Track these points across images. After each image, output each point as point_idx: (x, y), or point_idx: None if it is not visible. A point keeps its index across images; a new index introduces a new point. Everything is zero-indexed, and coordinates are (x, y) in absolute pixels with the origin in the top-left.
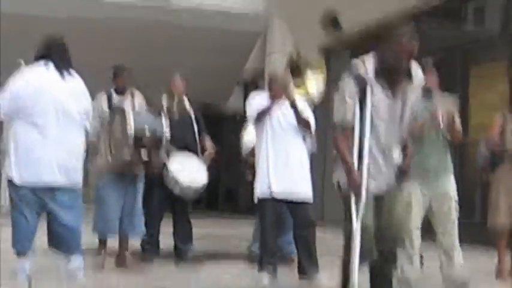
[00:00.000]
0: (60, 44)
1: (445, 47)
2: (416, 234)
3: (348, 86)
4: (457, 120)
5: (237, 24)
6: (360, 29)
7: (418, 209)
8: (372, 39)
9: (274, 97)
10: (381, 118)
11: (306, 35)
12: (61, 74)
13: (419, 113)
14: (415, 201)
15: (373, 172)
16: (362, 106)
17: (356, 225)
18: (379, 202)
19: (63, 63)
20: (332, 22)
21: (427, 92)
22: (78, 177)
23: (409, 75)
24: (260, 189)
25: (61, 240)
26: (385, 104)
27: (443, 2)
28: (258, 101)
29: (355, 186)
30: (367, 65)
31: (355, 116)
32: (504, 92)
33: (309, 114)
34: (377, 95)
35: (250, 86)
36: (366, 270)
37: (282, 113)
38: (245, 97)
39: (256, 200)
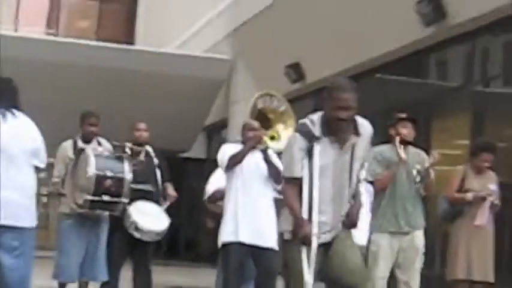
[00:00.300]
0: (4, 86)
1: (408, 100)
2: (381, 285)
3: (296, 142)
4: (432, 173)
5: (201, 71)
6: (323, 79)
7: (385, 260)
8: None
9: (251, 144)
10: (330, 171)
11: (270, 83)
12: (2, 115)
13: (391, 162)
14: (382, 252)
15: (321, 223)
16: (311, 160)
17: (307, 277)
18: (329, 251)
19: (4, 104)
20: (295, 70)
21: (397, 144)
22: (26, 218)
23: (355, 127)
24: (226, 234)
25: (5, 285)
26: (332, 157)
27: (407, 55)
28: (232, 150)
29: (305, 235)
30: (316, 121)
31: (303, 169)
32: (465, 146)
33: (279, 165)
34: (325, 149)
35: (214, 133)
36: None
37: (255, 161)
38: (208, 145)
39: (220, 245)
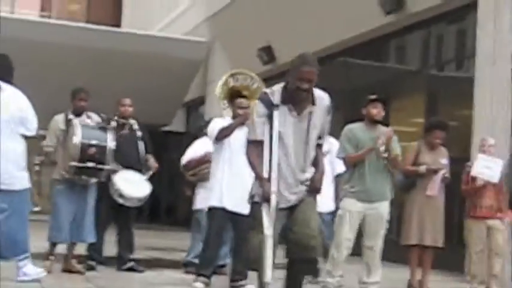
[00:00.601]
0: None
1: (369, 82)
2: (346, 245)
3: (257, 108)
4: (398, 148)
5: (181, 52)
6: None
7: (351, 224)
8: None
9: (240, 121)
10: (289, 137)
11: (244, 64)
12: None
13: (363, 141)
14: (349, 217)
15: (282, 188)
16: (272, 126)
17: (267, 231)
18: (292, 213)
19: None
20: (267, 53)
21: (371, 124)
22: (14, 182)
23: (312, 98)
24: (213, 199)
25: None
26: (291, 123)
27: (368, 41)
28: (221, 124)
29: (265, 193)
30: (276, 91)
31: (263, 133)
32: (420, 124)
33: None
34: (284, 116)
35: (192, 109)
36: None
37: (241, 136)
38: (187, 119)
39: (207, 208)
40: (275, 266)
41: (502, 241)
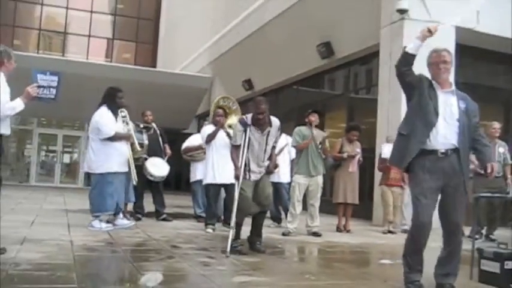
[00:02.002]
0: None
1: (312, 101)
2: (298, 204)
3: (237, 126)
4: (327, 143)
5: (195, 83)
6: (265, 88)
7: (300, 190)
8: (272, 93)
9: (219, 126)
10: (255, 144)
11: (233, 90)
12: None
13: (306, 136)
14: (299, 186)
15: (251, 169)
16: (245, 137)
17: (236, 195)
18: (257, 184)
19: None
20: (248, 84)
21: (311, 126)
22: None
23: (269, 122)
24: (209, 178)
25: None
26: (256, 137)
27: (312, 75)
28: (208, 129)
29: (237, 176)
30: (248, 117)
31: (241, 140)
32: (343, 127)
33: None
34: (252, 132)
35: (201, 119)
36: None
37: (222, 136)
38: (198, 126)
39: (205, 184)
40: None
41: (399, 200)
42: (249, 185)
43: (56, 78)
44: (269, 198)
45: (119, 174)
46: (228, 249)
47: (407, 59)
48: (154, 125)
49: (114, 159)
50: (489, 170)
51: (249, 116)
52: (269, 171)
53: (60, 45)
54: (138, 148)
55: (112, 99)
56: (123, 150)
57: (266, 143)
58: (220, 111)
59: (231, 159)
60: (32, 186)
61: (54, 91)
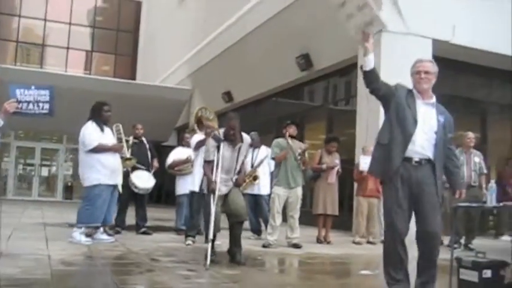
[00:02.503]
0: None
1: (291, 113)
2: (278, 216)
3: (210, 142)
4: (306, 155)
5: (175, 95)
6: (244, 100)
7: (279, 202)
8: (251, 105)
9: (206, 136)
10: (226, 158)
11: (213, 103)
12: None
13: (284, 148)
14: (278, 197)
15: (222, 183)
16: (219, 152)
17: (213, 208)
18: (227, 197)
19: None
20: (228, 96)
21: (289, 138)
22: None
23: (241, 138)
24: (196, 187)
25: None
26: (228, 152)
27: (291, 87)
28: (197, 138)
29: (212, 189)
30: (221, 133)
31: (214, 156)
32: (322, 139)
33: None
34: (225, 147)
35: (181, 131)
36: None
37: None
38: (178, 137)
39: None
40: (222, 229)
41: (376, 211)
42: (220, 199)
43: (47, 92)
44: (239, 210)
45: (107, 186)
46: (208, 261)
47: (368, 77)
48: (143, 138)
49: (99, 171)
50: (457, 196)
51: (222, 131)
52: (237, 184)
53: (38, 58)
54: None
55: (98, 113)
56: (108, 162)
57: (237, 159)
58: (210, 124)
59: (204, 173)
60: (10, 199)
61: (47, 106)
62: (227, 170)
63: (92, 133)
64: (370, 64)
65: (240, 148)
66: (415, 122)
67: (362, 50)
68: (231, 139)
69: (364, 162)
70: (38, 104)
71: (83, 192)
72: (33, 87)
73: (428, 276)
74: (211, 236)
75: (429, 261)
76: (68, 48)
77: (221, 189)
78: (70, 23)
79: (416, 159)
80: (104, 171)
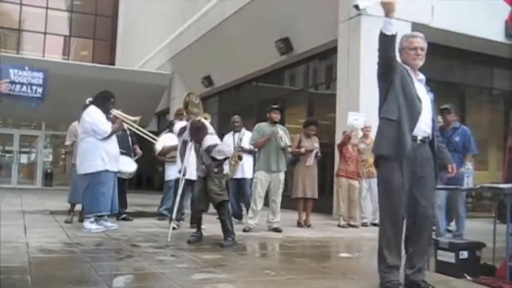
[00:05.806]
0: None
1: (272, 97)
2: (260, 200)
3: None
4: (288, 140)
5: (155, 80)
6: (224, 84)
7: (261, 187)
8: (231, 90)
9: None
10: (195, 151)
11: (193, 87)
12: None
13: (267, 133)
14: (260, 182)
15: (197, 168)
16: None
17: (180, 190)
18: (203, 181)
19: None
20: (208, 80)
21: (272, 123)
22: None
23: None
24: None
25: None
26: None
27: (271, 71)
28: (180, 125)
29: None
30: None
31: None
32: (302, 123)
33: None
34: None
35: (161, 116)
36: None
37: None
38: (158, 123)
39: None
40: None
41: (357, 194)
42: (198, 183)
43: (41, 75)
44: (212, 195)
45: (109, 172)
46: (169, 238)
47: (388, 43)
48: (125, 126)
49: (103, 158)
50: (450, 170)
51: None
52: (209, 171)
53: (15, 43)
54: None
55: (104, 102)
56: (111, 149)
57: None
58: (194, 110)
59: (179, 155)
60: None
61: (40, 90)
62: (198, 159)
63: (102, 121)
64: (392, 28)
65: (204, 141)
66: (419, 99)
67: (383, 8)
68: (195, 133)
69: (352, 118)
70: (31, 86)
71: (85, 180)
72: (26, 67)
73: (423, 262)
74: (174, 217)
75: (424, 246)
76: (45, 33)
77: (192, 173)
78: (47, 7)
79: (420, 138)
80: (107, 158)
